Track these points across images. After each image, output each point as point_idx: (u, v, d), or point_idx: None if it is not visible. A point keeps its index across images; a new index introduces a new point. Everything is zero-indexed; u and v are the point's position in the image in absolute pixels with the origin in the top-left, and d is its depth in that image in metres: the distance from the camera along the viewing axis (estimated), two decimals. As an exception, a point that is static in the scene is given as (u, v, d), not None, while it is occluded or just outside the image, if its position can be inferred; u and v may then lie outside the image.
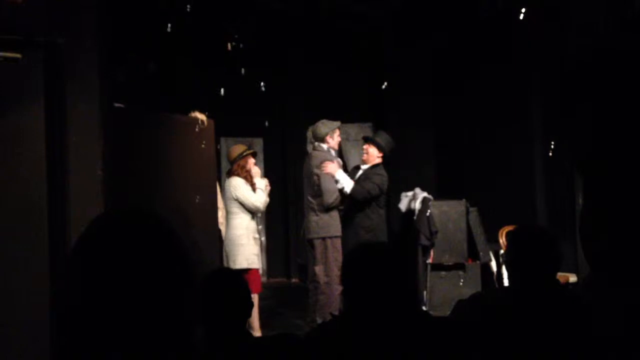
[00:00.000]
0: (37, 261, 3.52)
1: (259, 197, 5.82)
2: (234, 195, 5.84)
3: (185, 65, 8.05)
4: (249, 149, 6.04)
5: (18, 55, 3.44)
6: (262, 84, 8.26)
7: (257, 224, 6.03)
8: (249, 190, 5.82)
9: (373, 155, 5.98)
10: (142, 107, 5.71)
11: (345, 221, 5.85)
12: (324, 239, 5.74)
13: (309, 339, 2.25)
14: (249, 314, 2.30)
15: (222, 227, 6.67)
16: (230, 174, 5.99)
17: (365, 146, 6.09)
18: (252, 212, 5.85)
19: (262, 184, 5.92)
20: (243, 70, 8.13)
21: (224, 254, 5.97)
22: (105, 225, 1.06)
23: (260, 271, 5.98)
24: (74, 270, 1.02)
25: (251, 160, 5.96)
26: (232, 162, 5.98)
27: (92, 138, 3.71)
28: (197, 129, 5.88)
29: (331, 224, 5.75)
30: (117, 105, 4.77)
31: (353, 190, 5.75)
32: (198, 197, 5.66)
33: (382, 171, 5.92)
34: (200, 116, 6.08)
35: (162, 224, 1.07)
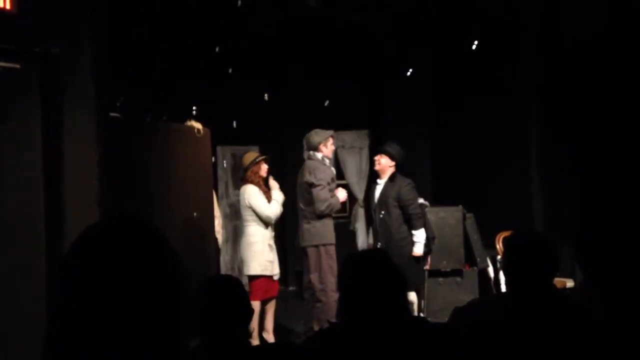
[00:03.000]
0: (34, 268, 3.52)
1: (273, 208, 5.84)
2: (248, 203, 5.84)
3: (181, 74, 8.05)
4: (261, 155, 6.05)
5: (16, 66, 3.44)
6: (264, 95, 8.25)
7: (272, 231, 6.03)
8: (262, 199, 5.83)
9: (385, 165, 5.95)
10: (137, 116, 5.72)
11: (384, 236, 5.87)
12: (317, 246, 5.73)
13: (307, 347, 2.25)
14: (249, 321, 2.30)
15: (218, 236, 6.68)
16: (244, 181, 5.98)
17: (376, 157, 6.05)
18: (263, 221, 5.86)
19: (281, 197, 5.93)
20: (239, 78, 8.14)
21: (238, 260, 5.97)
22: (96, 234, 1.06)
23: (277, 277, 5.97)
24: (65, 278, 1.02)
25: (264, 166, 5.96)
26: (245, 169, 5.97)
27: (88, 147, 3.72)
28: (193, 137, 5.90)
29: (324, 231, 5.74)
30: (113, 114, 4.77)
31: (421, 229, 5.84)
32: (195, 213, 5.68)
33: (404, 180, 5.91)
34: (197, 125, 6.09)
35: (153, 232, 1.07)
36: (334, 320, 5.48)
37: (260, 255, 5.80)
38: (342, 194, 5.90)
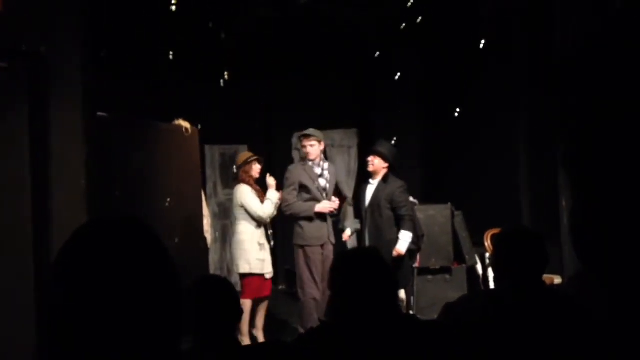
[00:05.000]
0: (21, 270, 3.50)
1: (266, 208, 5.88)
2: (240, 202, 5.90)
3: (169, 73, 8.02)
4: (254, 155, 6.06)
5: (4, 65, 3.42)
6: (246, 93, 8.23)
7: (268, 229, 6.05)
8: (254, 199, 5.88)
9: (379, 166, 5.91)
10: (125, 115, 5.68)
11: (375, 238, 5.85)
12: (299, 246, 5.77)
13: (298, 345, 2.25)
14: (239, 320, 2.30)
15: (207, 235, 6.67)
16: (237, 180, 6.05)
17: (370, 158, 6.01)
18: (256, 220, 5.88)
19: (275, 196, 5.94)
20: (228, 77, 8.12)
21: (227, 259, 5.97)
22: (89, 234, 1.05)
23: (269, 276, 5.97)
24: (57, 279, 1.02)
25: (256, 167, 6.01)
26: (238, 168, 6.03)
27: (75, 146, 3.69)
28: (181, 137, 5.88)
29: (307, 232, 5.74)
30: (100, 113, 4.75)
31: (409, 232, 5.79)
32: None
33: (397, 182, 5.89)
34: (185, 124, 6.08)
35: (147, 232, 1.07)
36: (310, 318, 5.60)
37: (249, 253, 5.83)
38: (320, 206, 5.75)
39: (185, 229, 5.92)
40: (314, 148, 5.81)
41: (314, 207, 5.75)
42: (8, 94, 3.50)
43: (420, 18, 7.40)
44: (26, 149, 3.54)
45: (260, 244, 5.89)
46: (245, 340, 5.78)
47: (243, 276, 5.87)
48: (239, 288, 8.12)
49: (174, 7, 6.50)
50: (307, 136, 5.81)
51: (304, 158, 5.91)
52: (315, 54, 8.36)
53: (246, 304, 5.78)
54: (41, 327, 3.29)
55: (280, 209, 5.96)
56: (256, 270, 5.83)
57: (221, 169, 9.27)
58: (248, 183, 5.92)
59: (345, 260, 2.25)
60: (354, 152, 9.38)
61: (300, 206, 5.75)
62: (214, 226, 8.03)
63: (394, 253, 5.72)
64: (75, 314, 0.98)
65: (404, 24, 7.41)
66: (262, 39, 8.24)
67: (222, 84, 7.67)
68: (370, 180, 6.03)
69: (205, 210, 6.69)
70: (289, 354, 2.21)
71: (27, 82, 3.54)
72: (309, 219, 5.74)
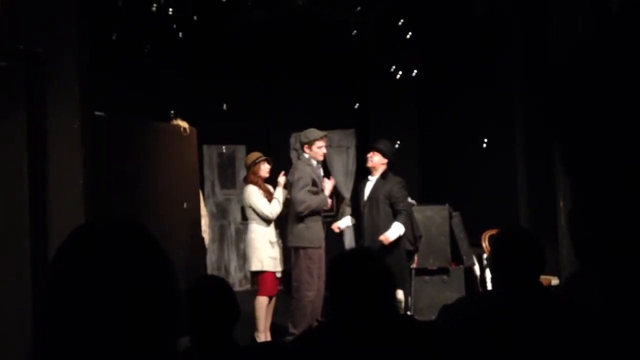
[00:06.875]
0: (18, 270, 3.49)
1: (273, 207, 5.93)
2: (248, 203, 5.98)
3: (167, 73, 8.02)
4: (262, 155, 6.07)
5: (2, 64, 3.42)
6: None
7: (276, 228, 6.09)
8: (261, 198, 5.92)
9: (378, 162, 5.95)
10: (123, 115, 5.68)
11: (372, 233, 5.84)
12: (297, 248, 5.79)
13: (296, 346, 2.25)
14: (236, 320, 2.30)
15: (205, 235, 6.67)
16: (246, 181, 6.10)
17: (369, 154, 6.04)
18: (263, 219, 5.91)
19: (282, 195, 5.97)
20: (226, 77, 8.12)
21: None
22: (86, 236, 1.05)
23: (279, 274, 6.04)
24: (54, 280, 1.02)
25: (264, 167, 6.04)
26: (247, 169, 6.10)
27: (73, 146, 3.69)
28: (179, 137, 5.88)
29: (306, 234, 5.77)
30: (98, 113, 4.74)
31: (404, 227, 5.76)
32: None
33: (396, 179, 5.91)
34: (183, 124, 6.08)
35: (144, 233, 1.07)
36: (304, 318, 5.63)
37: (259, 251, 5.90)
38: (327, 190, 5.92)
39: (183, 229, 5.92)
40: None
41: (325, 197, 5.88)
42: (6, 94, 3.50)
43: (418, 19, 7.40)
44: (24, 149, 3.54)
45: (271, 242, 5.95)
46: (263, 338, 5.84)
47: (256, 274, 5.96)
48: (241, 287, 8.16)
49: (173, 7, 6.50)
50: (325, 136, 5.98)
51: (315, 158, 5.97)
52: (313, 55, 8.36)
53: (263, 301, 5.86)
54: (38, 328, 3.29)
55: (289, 209, 5.96)
56: (269, 267, 5.91)
57: (219, 168, 9.27)
58: (256, 183, 5.96)
59: (342, 261, 2.24)
60: (351, 152, 9.39)
61: (315, 200, 5.80)
62: (211, 226, 8.04)
63: (381, 237, 5.66)
64: (72, 315, 0.98)
65: (401, 25, 7.41)
66: (260, 39, 8.23)
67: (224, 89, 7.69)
68: (369, 177, 6.06)
69: (203, 210, 6.69)
70: (287, 355, 2.21)
71: (25, 82, 3.53)
72: (316, 219, 5.80)
